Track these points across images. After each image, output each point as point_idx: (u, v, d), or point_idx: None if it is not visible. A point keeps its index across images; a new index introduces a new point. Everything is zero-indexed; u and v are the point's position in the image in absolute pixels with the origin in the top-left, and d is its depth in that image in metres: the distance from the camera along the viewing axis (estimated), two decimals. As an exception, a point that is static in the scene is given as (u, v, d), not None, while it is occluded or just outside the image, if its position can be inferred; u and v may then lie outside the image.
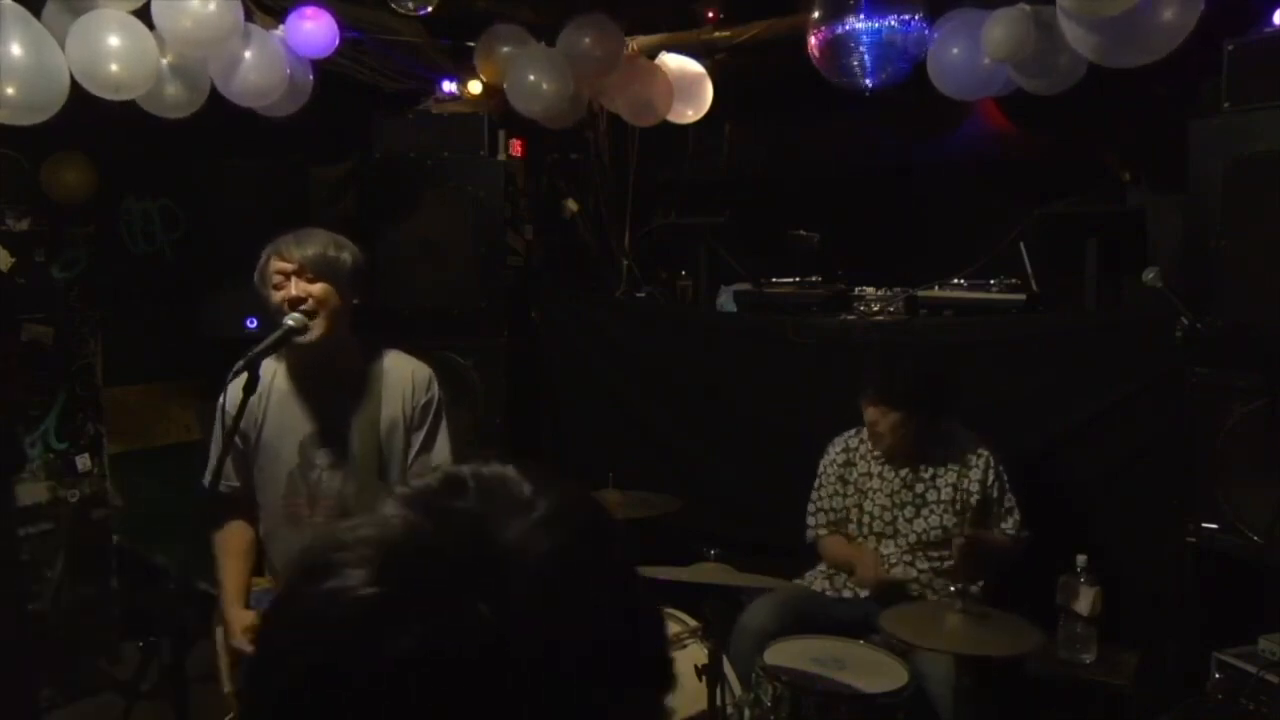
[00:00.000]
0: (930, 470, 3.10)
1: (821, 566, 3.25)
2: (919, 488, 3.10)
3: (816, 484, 3.27)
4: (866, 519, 3.15)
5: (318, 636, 0.57)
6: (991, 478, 3.06)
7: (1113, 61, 2.83)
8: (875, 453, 3.18)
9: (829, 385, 3.68)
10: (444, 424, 2.52)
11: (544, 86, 3.64)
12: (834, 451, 3.27)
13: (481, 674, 0.56)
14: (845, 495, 3.20)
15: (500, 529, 0.61)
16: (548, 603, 0.59)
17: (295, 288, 2.30)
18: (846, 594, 3.13)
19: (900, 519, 3.10)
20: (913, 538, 3.08)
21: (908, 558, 3.08)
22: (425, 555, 0.59)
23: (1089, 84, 3.06)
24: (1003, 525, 3.07)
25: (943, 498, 3.07)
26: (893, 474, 3.14)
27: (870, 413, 3.07)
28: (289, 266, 2.31)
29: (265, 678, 0.60)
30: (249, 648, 2.35)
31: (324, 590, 0.58)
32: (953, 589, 2.50)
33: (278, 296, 2.31)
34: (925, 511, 3.08)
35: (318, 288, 2.31)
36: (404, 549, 0.60)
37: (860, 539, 3.16)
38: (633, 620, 0.64)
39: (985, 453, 3.09)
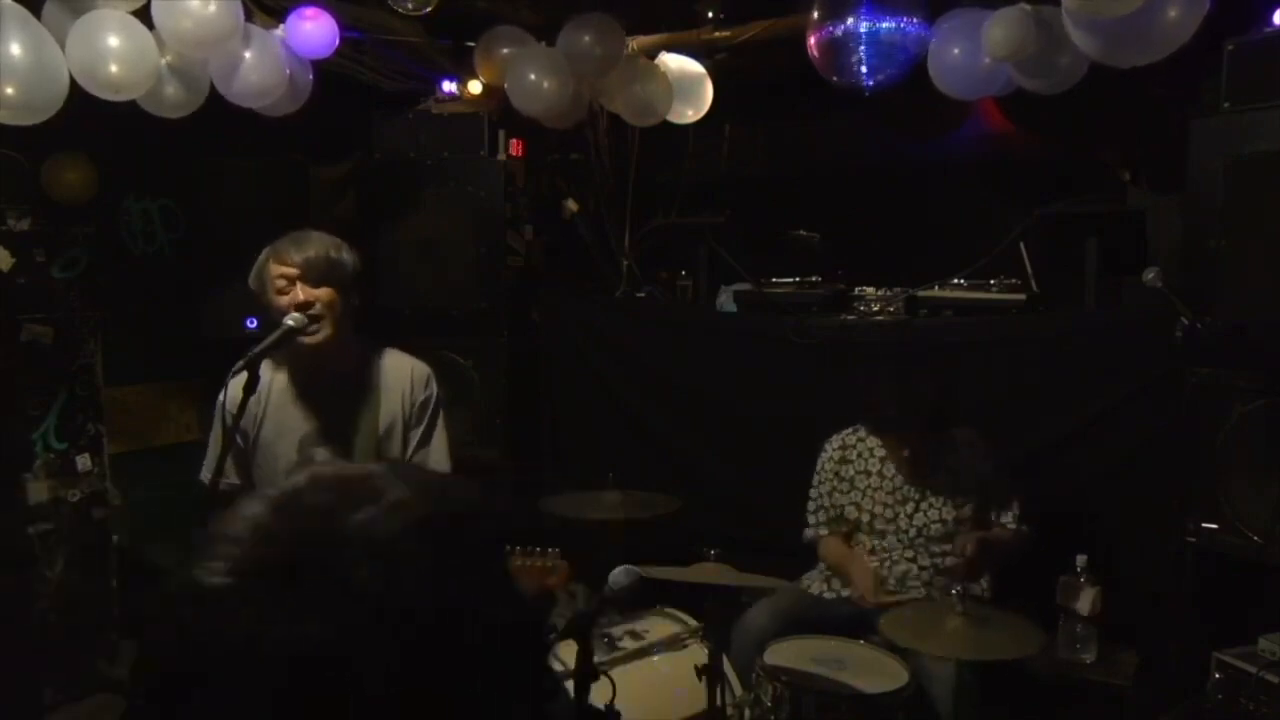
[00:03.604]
0: (929, 466, 3.10)
1: (820, 568, 3.25)
2: (918, 483, 3.11)
3: (815, 481, 3.27)
4: (866, 516, 3.14)
5: (181, 629, 0.62)
6: (987, 469, 3.07)
7: (1115, 61, 2.83)
8: (875, 451, 3.19)
9: (829, 385, 3.68)
10: (441, 421, 2.52)
11: (544, 85, 3.63)
12: (831, 449, 3.27)
13: (337, 653, 0.59)
14: (843, 492, 3.20)
15: (349, 517, 0.64)
16: (394, 582, 0.62)
17: (302, 293, 2.29)
18: (845, 594, 3.13)
19: (901, 515, 3.10)
20: (913, 532, 3.08)
21: (909, 554, 3.08)
22: (276, 545, 0.64)
23: (1089, 84, 3.05)
24: (1002, 519, 3.07)
25: (942, 490, 3.08)
26: (893, 471, 3.14)
27: (891, 441, 3.09)
28: (292, 271, 2.29)
29: (143, 672, 0.65)
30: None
31: (182, 588, 0.63)
32: (954, 590, 2.50)
33: (283, 301, 2.29)
34: (924, 505, 3.09)
35: (323, 291, 2.31)
36: (258, 543, 0.64)
37: (861, 536, 3.15)
38: (492, 598, 0.68)
39: (981, 445, 3.10)
